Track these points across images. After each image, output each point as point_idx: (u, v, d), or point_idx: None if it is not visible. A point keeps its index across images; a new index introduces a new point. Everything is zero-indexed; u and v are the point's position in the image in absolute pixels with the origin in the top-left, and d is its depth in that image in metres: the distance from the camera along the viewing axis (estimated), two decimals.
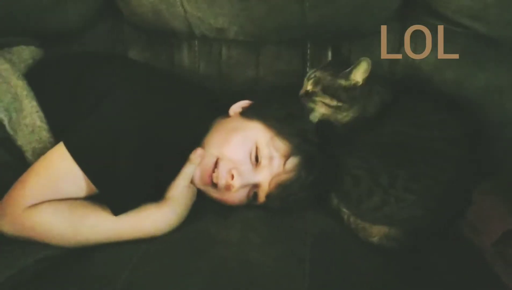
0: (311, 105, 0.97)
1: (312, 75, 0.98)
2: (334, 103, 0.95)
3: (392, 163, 0.89)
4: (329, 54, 1.08)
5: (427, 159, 0.88)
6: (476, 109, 1.02)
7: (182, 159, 0.94)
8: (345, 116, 0.97)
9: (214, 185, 0.94)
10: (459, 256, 0.86)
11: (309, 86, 0.98)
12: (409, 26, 1.12)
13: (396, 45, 1.13)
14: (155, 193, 0.91)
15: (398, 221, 0.87)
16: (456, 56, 1.06)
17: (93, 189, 0.85)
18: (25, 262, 0.80)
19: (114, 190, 0.85)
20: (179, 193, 0.90)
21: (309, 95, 0.97)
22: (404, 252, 0.87)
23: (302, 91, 0.99)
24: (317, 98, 0.96)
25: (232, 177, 0.91)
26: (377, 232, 0.89)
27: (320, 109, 0.97)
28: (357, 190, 0.90)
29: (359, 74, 0.95)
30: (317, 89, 0.96)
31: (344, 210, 0.92)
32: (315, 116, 0.98)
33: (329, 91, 0.95)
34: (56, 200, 0.84)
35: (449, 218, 0.90)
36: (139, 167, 0.87)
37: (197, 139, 0.97)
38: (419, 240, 0.87)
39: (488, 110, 1.03)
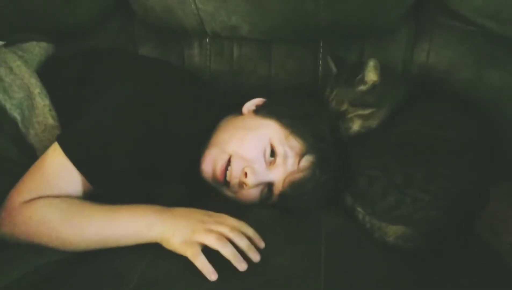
0: (348, 123, 0.97)
1: (332, 95, 0.97)
2: (367, 111, 0.95)
3: (407, 163, 0.88)
4: (331, 64, 1.06)
5: (443, 159, 0.87)
6: (491, 108, 1.01)
7: (185, 156, 0.93)
8: (378, 118, 0.96)
9: (227, 183, 0.93)
10: (475, 256, 0.85)
11: (336, 107, 0.97)
12: (423, 25, 1.11)
13: (410, 44, 1.13)
14: (154, 191, 0.89)
15: (414, 221, 0.86)
16: (471, 56, 1.05)
17: (88, 185, 0.84)
18: (36, 263, 0.79)
19: (110, 186, 0.85)
20: (182, 214, 0.83)
21: (340, 115, 0.96)
22: (419, 253, 0.85)
23: (334, 114, 0.98)
24: (350, 115, 0.95)
25: (246, 175, 0.90)
26: (392, 232, 0.88)
27: (357, 123, 0.96)
28: (372, 190, 0.89)
29: (372, 74, 0.94)
30: (345, 106, 0.96)
31: (359, 209, 0.91)
32: (354, 131, 0.97)
33: (356, 102, 0.95)
34: (52, 196, 0.83)
35: (465, 219, 0.89)
36: (136, 164, 0.86)
37: (204, 136, 0.96)
38: (435, 240, 0.86)
39: (503, 109, 1.02)
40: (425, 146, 0.88)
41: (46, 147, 0.90)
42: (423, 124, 0.91)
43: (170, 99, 0.91)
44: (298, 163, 0.93)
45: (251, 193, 0.93)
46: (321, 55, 1.17)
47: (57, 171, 0.83)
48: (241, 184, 0.91)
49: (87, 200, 0.84)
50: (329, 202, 0.95)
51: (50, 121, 0.92)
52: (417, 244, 0.86)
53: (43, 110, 0.91)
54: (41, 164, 0.85)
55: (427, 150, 0.88)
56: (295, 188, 0.92)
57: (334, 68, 1.03)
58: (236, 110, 1.02)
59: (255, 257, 0.77)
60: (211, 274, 0.73)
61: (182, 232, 0.78)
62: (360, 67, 0.96)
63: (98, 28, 1.22)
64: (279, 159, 0.92)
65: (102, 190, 0.85)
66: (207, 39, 1.21)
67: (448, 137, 0.89)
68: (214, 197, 0.96)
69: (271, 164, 0.93)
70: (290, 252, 0.82)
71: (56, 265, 0.79)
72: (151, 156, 0.88)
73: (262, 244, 0.80)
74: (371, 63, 0.94)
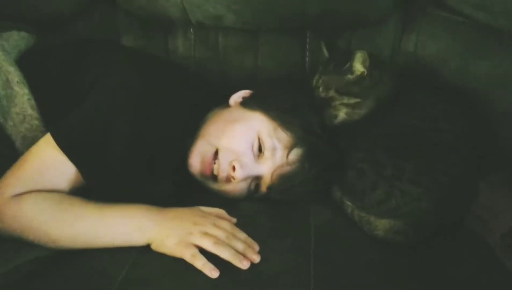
0: (333, 111, 0.95)
1: (320, 82, 0.96)
2: (352, 100, 0.93)
3: (397, 155, 0.87)
4: (324, 50, 1.04)
5: (433, 151, 0.86)
6: (479, 99, 1.01)
7: (175, 149, 0.92)
8: (363, 109, 0.95)
9: (214, 177, 0.91)
10: (466, 249, 0.85)
11: (322, 94, 0.96)
12: (411, 16, 1.10)
13: (398, 35, 1.12)
14: (146, 186, 0.88)
15: (404, 214, 0.85)
16: (459, 46, 1.05)
17: (80, 179, 0.82)
18: (17, 261, 0.76)
19: (103, 180, 0.83)
20: (175, 215, 0.82)
21: (327, 102, 0.95)
22: (410, 246, 0.85)
23: (318, 101, 0.97)
24: (336, 103, 0.94)
25: (234, 168, 0.88)
26: (381, 225, 0.87)
27: (342, 111, 0.95)
28: (361, 183, 0.88)
29: (359, 65, 0.93)
30: (332, 93, 0.94)
31: (348, 203, 0.91)
32: (339, 120, 0.95)
33: (343, 90, 0.94)
34: (43, 190, 0.81)
35: (455, 211, 0.88)
36: (130, 157, 0.84)
37: (192, 129, 0.95)
38: (425, 233, 0.86)
39: (491, 100, 1.02)
40: (416, 138, 0.88)
41: (24, 138, 0.89)
42: (414, 115, 0.90)
43: (161, 91, 0.90)
44: (287, 156, 0.92)
45: (239, 187, 0.91)
46: (308, 45, 1.15)
47: (50, 164, 0.82)
48: (229, 178, 0.90)
49: (78, 197, 0.82)
50: (319, 195, 0.94)
51: (29, 111, 0.89)
52: (407, 237, 0.85)
53: (21, 100, 0.89)
54: (31, 157, 0.83)
55: (417, 142, 0.87)
56: (283, 181, 0.91)
57: (326, 54, 1.01)
58: (222, 102, 1.00)
59: (254, 258, 0.76)
60: (212, 271, 0.73)
61: (177, 234, 0.77)
62: (349, 56, 0.95)
63: (81, 18, 1.19)
64: (267, 152, 0.91)
65: (95, 185, 0.83)
66: (192, 29, 1.18)
67: (439, 128, 0.88)
68: (202, 191, 0.94)
69: (259, 157, 0.91)
70: (279, 247, 0.81)
71: (38, 263, 0.77)
72: (145, 149, 0.87)
73: (256, 247, 0.79)
74: (359, 55, 0.93)
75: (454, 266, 0.80)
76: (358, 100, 0.94)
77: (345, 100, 0.94)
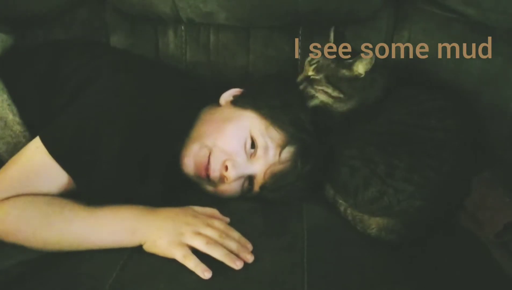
0: (311, 91, 0.95)
1: (315, 60, 0.95)
2: (335, 93, 0.93)
3: (390, 153, 0.86)
4: (331, 36, 1.03)
5: (426, 149, 0.86)
6: (471, 96, 1.01)
7: (168, 151, 0.90)
8: (343, 106, 0.95)
9: (209, 178, 0.90)
10: (459, 247, 0.85)
11: (310, 72, 0.95)
12: (403, 12, 1.10)
13: (390, 32, 1.11)
14: (138, 188, 0.86)
15: (397, 212, 0.85)
16: (450, 43, 1.05)
17: (71, 184, 0.81)
18: (5, 264, 0.76)
19: (95, 185, 0.81)
20: (167, 216, 0.81)
21: (310, 81, 0.94)
22: (403, 244, 0.85)
23: (301, 76, 0.96)
24: (319, 87, 0.94)
25: (226, 168, 0.87)
26: (375, 224, 0.87)
27: (320, 97, 0.95)
28: (354, 181, 0.87)
29: (362, 67, 0.92)
30: (320, 76, 0.93)
31: (341, 201, 0.90)
32: (314, 103, 0.95)
33: (332, 80, 0.93)
34: (33, 194, 0.80)
35: (448, 209, 0.88)
36: (123, 162, 0.83)
37: (184, 130, 0.93)
38: (418, 231, 0.86)
39: (483, 96, 1.02)
40: (408, 135, 0.87)
41: (8, 144, 0.88)
42: (406, 113, 0.90)
43: (151, 94, 0.89)
44: (279, 154, 0.91)
45: (232, 186, 0.90)
46: (300, 42, 1.14)
47: (39, 169, 0.81)
48: (222, 178, 0.89)
49: (68, 199, 0.81)
50: (309, 192, 0.94)
51: (11, 116, 0.88)
52: (400, 235, 0.85)
53: (1, 105, 0.88)
54: (20, 161, 0.81)
55: (409, 140, 0.87)
56: (276, 180, 0.90)
57: (331, 40, 0.99)
58: (213, 101, 0.99)
59: (248, 258, 0.76)
60: (204, 272, 0.72)
61: (169, 234, 0.76)
62: (354, 53, 0.94)
63: (67, 15, 1.17)
64: (260, 151, 0.90)
65: (87, 190, 0.82)
66: (182, 27, 1.17)
67: (431, 126, 0.88)
68: (195, 191, 0.94)
69: (251, 156, 0.91)
70: (272, 246, 0.80)
71: (27, 265, 0.76)
72: (137, 153, 0.85)
73: (250, 246, 0.78)
74: (368, 58, 0.91)
75: (448, 264, 0.80)
76: (341, 96, 0.94)
77: (330, 90, 0.94)
